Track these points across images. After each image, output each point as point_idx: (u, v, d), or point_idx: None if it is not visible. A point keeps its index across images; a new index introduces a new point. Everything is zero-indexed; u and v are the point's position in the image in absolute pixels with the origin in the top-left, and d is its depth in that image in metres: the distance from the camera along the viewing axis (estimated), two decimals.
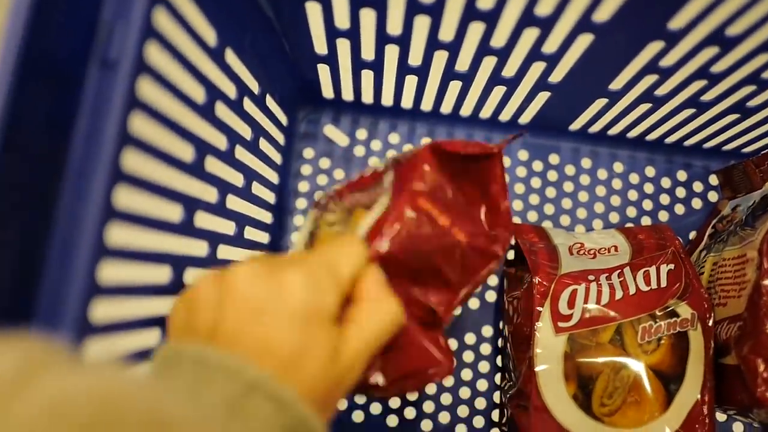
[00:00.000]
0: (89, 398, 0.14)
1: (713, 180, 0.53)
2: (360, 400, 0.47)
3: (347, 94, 0.49)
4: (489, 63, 0.40)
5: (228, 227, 0.38)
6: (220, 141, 0.34)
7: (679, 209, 0.52)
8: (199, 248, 0.33)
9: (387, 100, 0.49)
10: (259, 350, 0.22)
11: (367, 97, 0.49)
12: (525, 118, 0.50)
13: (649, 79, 0.40)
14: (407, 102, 0.49)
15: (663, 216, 0.52)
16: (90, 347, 0.23)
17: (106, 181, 0.23)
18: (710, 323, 0.42)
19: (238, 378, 0.21)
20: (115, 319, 0.25)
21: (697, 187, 0.52)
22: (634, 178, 0.52)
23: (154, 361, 0.23)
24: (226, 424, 0.19)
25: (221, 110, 0.34)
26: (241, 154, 0.38)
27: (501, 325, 0.48)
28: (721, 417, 0.48)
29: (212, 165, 0.33)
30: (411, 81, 0.44)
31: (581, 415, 0.41)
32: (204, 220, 0.33)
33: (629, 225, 0.51)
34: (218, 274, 0.24)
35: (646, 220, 0.52)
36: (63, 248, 0.22)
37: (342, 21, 0.36)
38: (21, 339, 0.16)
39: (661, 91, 0.42)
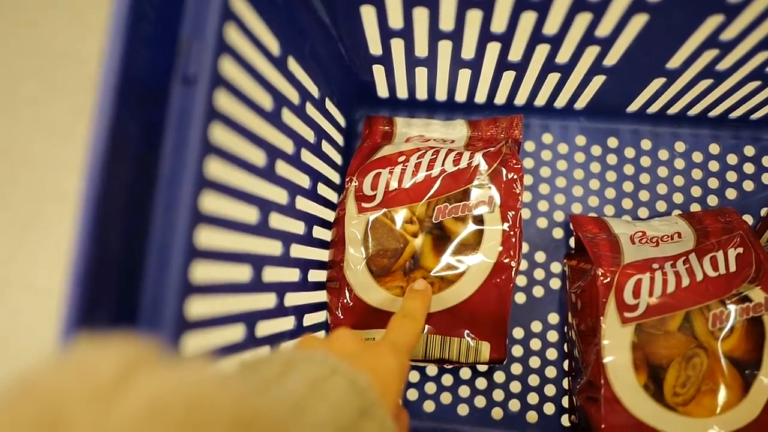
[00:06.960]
0: (182, 398, 0.16)
1: None
2: (430, 390, 0.48)
3: (402, 92, 0.50)
4: (542, 51, 0.40)
5: (298, 227, 0.39)
6: (288, 145, 0.36)
7: (748, 186, 0.50)
8: (274, 248, 0.35)
9: (441, 95, 0.50)
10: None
11: (422, 94, 0.50)
12: (581, 103, 0.50)
13: (709, 55, 0.39)
14: (461, 96, 0.50)
15: (731, 194, 0.50)
16: (187, 342, 0.25)
17: (193, 187, 0.24)
18: None
19: (324, 365, 0.24)
20: (207, 315, 0.27)
21: None
22: (697, 157, 0.51)
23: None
24: (307, 397, 0.22)
25: (287, 116, 0.35)
26: (307, 156, 0.40)
27: (568, 316, 0.48)
28: None
29: (282, 168, 0.35)
30: (464, 75, 0.45)
31: (654, 405, 0.41)
32: (277, 221, 0.35)
33: (694, 205, 0.50)
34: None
35: (712, 199, 0.50)
36: (159, 251, 0.24)
37: (395, 21, 0.37)
38: (119, 339, 0.18)
39: (722, 66, 0.41)
